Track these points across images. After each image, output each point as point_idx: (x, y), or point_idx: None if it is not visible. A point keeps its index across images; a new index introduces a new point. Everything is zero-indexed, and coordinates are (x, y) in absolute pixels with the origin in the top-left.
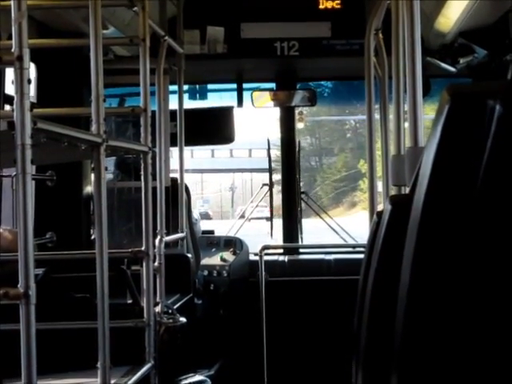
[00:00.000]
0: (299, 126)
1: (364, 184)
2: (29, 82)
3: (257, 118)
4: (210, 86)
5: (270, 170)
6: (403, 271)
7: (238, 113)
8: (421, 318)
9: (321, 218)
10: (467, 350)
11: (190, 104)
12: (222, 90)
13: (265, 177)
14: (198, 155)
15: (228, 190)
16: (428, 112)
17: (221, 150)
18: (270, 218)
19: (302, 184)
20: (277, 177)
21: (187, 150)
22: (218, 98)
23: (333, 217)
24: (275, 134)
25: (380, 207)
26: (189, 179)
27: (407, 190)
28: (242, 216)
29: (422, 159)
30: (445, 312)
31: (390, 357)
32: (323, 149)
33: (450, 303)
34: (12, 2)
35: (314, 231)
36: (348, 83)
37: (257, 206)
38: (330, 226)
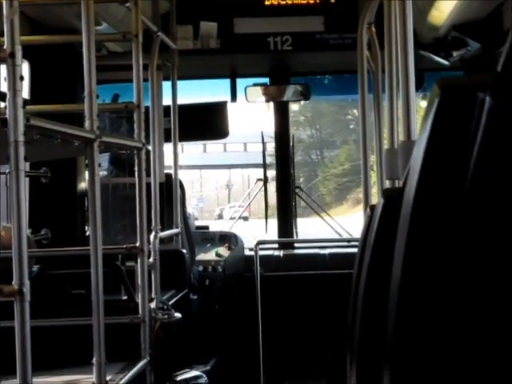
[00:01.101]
0: (294, 107)
1: (371, 178)
2: (21, 78)
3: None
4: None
5: (265, 165)
6: (395, 265)
7: (231, 106)
8: (412, 312)
9: (316, 212)
10: (459, 345)
11: (183, 99)
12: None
13: (261, 172)
14: (189, 150)
15: (224, 188)
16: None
17: (213, 145)
18: (265, 214)
19: (301, 180)
20: (274, 172)
21: (178, 145)
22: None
23: (336, 215)
24: (270, 127)
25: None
26: (186, 176)
27: (401, 183)
28: (220, 217)
29: (413, 153)
30: (436, 306)
31: (383, 350)
32: (324, 141)
33: (441, 297)
34: None
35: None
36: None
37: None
38: (325, 221)
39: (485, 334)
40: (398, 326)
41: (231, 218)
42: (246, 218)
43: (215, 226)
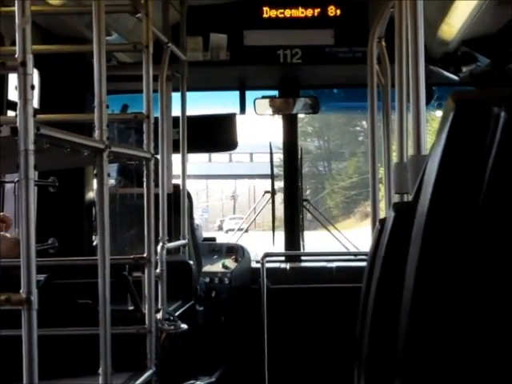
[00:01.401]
0: (301, 117)
1: (380, 191)
2: (32, 87)
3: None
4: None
5: (272, 177)
6: (407, 279)
7: (239, 116)
8: (424, 326)
9: (323, 226)
10: (470, 358)
11: (192, 111)
12: None
13: (268, 184)
14: (194, 160)
15: (230, 199)
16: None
17: (219, 154)
18: (273, 226)
19: (308, 192)
20: (281, 184)
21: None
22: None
23: (343, 229)
24: (278, 137)
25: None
26: (192, 186)
27: (410, 197)
28: (220, 228)
29: (427, 166)
30: (448, 320)
31: (393, 364)
32: (332, 152)
33: (453, 311)
34: (16, 8)
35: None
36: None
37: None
38: (332, 235)
39: (497, 348)
40: (410, 340)
41: (229, 230)
42: (246, 231)
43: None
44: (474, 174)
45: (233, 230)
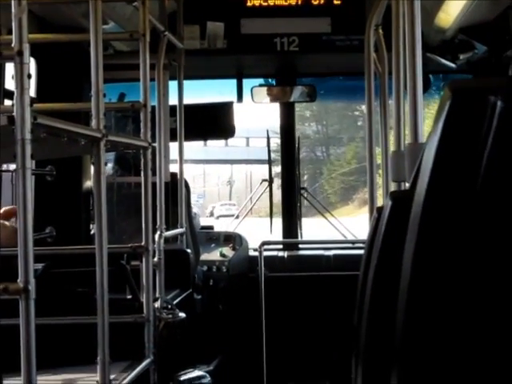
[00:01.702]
0: None
1: (379, 177)
2: (29, 76)
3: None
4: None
5: (270, 164)
6: (404, 267)
7: (236, 104)
8: (421, 314)
9: (321, 214)
10: (467, 346)
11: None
12: None
13: (265, 169)
14: (190, 144)
15: (226, 184)
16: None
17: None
18: (270, 214)
19: (305, 178)
20: (278, 169)
21: (175, 142)
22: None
23: (341, 216)
24: (274, 122)
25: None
26: (188, 171)
27: (407, 185)
28: (212, 214)
29: (423, 155)
30: (445, 308)
31: (391, 353)
32: (331, 137)
33: (450, 299)
34: None
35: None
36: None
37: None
38: (330, 223)
39: (493, 336)
40: (407, 328)
41: (220, 216)
42: (236, 217)
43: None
44: (471, 162)
45: (224, 216)
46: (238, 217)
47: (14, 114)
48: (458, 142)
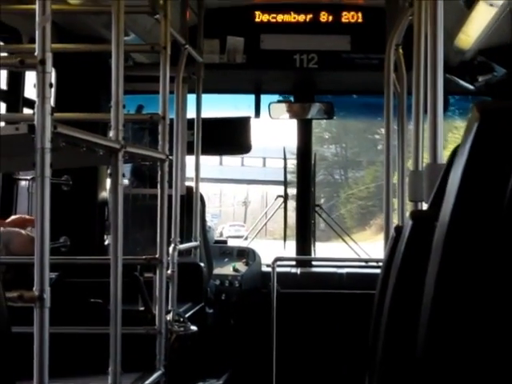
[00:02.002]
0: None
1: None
2: (50, 86)
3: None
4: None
5: (286, 182)
6: (427, 288)
7: (253, 120)
8: (444, 336)
9: (337, 233)
10: (489, 367)
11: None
12: None
13: (281, 191)
14: (205, 163)
15: (241, 205)
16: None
17: (230, 158)
18: (284, 230)
19: (322, 201)
20: (294, 191)
21: (192, 156)
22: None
23: (358, 241)
24: (292, 142)
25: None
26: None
27: (424, 205)
28: (221, 235)
29: (449, 176)
30: (468, 332)
31: (409, 373)
32: (350, 160)
33: (473, 323)
34: (37, 6)
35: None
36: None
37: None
38: (344, 241)
39: None
40: (429, 349)
41: (229, 237)
42: (245, 238)
43: None
44: (498, 185)
45: (233, 237)
46: (246, 238)
47: (35, 122)
48: (485, 163)
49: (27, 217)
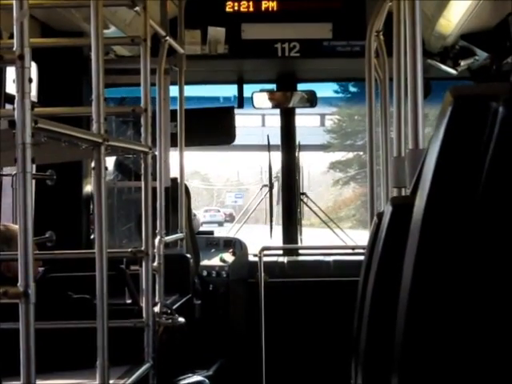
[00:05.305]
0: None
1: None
2: (30, 81)
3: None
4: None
5: (270, 171)
6: (405, 273)
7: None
8: (422, 321)
9: (320, 219)
10: (467, 354)
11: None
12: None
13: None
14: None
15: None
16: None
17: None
18: (270, 219)
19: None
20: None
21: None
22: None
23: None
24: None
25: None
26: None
27: (408, 191)
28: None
29: (424, 161)
30: (446, 315)
31: (391, 358)
32: None
33: (451, 306)
34: (14, 1)
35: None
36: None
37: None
38: (329, 227)
39: (494, 343)
40: (408, 335)
41: (203, 223)
42: (220, 224)
43: None
44: (472, 168)
45: (208, 222)
46: (222, 224)
47: (15, 118)
48: (459, 148)
49: None
